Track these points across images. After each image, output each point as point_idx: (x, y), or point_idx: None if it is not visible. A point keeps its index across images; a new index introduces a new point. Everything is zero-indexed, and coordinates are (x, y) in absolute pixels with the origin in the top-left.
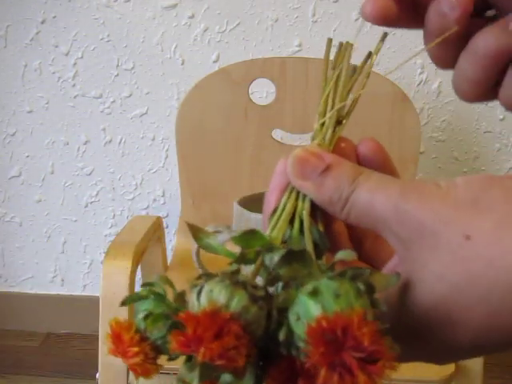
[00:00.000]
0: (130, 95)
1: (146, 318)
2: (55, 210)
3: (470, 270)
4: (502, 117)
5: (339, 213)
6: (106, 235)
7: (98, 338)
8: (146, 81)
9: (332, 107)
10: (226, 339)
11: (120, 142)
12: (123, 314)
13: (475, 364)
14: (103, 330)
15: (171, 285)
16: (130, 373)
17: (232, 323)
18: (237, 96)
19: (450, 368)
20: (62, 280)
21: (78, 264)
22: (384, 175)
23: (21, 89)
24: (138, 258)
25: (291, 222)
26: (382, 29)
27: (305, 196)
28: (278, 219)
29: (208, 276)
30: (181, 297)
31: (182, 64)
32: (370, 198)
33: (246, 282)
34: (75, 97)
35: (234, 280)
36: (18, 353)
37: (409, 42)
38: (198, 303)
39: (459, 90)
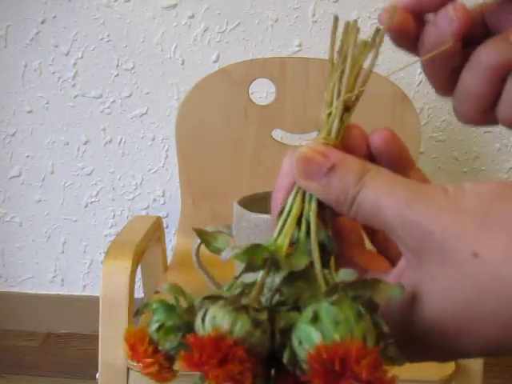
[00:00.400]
0: (130, 95)
1: (158, 329)
2: (55, 210)
3: (478, 286)
4: None
5: (347, 213)
6: (106, 235)
7: (97, 338)
8: (146, 81)
9: (338, 95)
10: (231, 365)
11: (120, 142)
12: (123, 314)
13: (475, 364)
14: (103, 330)
15: (182, 293)
16: (130, 373)
17: (236, 348)
18: (237, 96)
19: (450, 368)
20: (62, 280)
21: (77, 264)
22: (391, 174)
23: (21, 89)
24: (138, 258)
25: (299, 223)
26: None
27: (311, 195)
28: (285, 221)
29: (212, 299)
30: (191, 311)
31: (182, 64)
32: (376, 201)
33: (249, 306)
34: (75, 97)
35: (236, 305)
36: (18, 353)
37: None
38: (202, 327)
39: (461, 109)
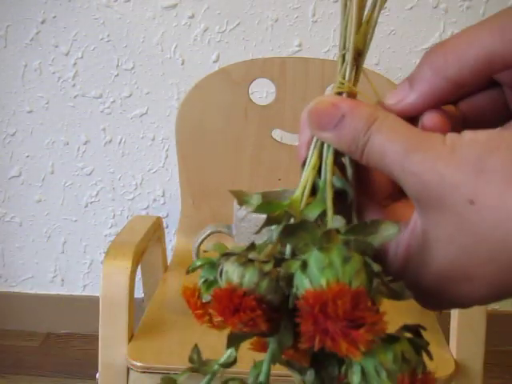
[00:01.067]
0: (130, 95)
1: (203, 283)
2: (55, 210)
3: (476, 232)
4: None
5: (360, 161)
6: (106, 235)
7: (97, 338)
8: (146, 81)
9: (350, 38)
10: (242, 314)
11: (120, 142)
12: (123, 314)
13: (475, 364)
14: (103, 330)
15: (225, 248)
16: (130, 373)
17: (246, 299)
18: (237, 96)
19: (450, 368)
20: (62, 280)
21: (77, 264)
22: (397, 121)
23: (21, 89)
24: (138, 258)
25: (320, 170)
26: (383, 28)
27: (328, 145)
28: (306, 171)
29: (226, 256)
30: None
31: (182, 64)
32: (382, 150)
33: (255, 259)
34: (75, 97)
35: (244, 259)
36: (18, 353)
37: (409, 42)
38: (220, 281)
39: None
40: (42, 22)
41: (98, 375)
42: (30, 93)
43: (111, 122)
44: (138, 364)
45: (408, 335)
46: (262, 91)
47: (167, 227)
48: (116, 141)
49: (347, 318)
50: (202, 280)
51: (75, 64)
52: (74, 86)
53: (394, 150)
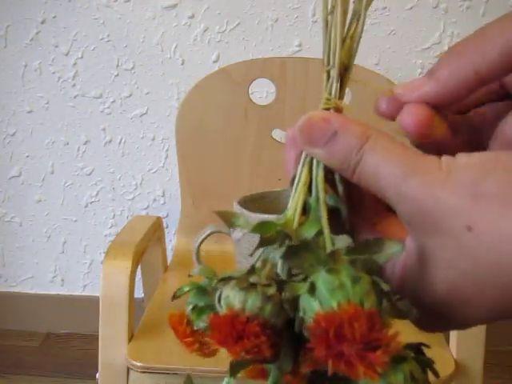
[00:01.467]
0: (130, 95)
1: (192, 310)
2: (55, 210)
3: (474, 256)
4: None
5: (351, 179)
6: (106, 235)
7: (97, 338)
8: (146, 81)
9: (334, 54)
10: (246, 341)
11: (120, 142)
12: (123, 314)
13: (475, 364)
14: (103, 330)
15: (214, 274)
16: (130, 373)
17: (249, 325)
18: (237, 96)
19: (450, 368)
20: (62, 280)
21: (77, 264)
22: (390, 141)
23: (21, 89)
24: (137, 258)
25: (310, 188)
26: (383, 28)
27: (318, 161)
28: (296, 189)
29: (224, 280)
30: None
31: (182, 64)
32: (375, 170)
33: (257, 283)
34: (75, 97)
35: (245, 284)
36: (18, 353)
37: (409, 43)
38: (220, 307)
39: None
40: (42, 22)
41: (98, 375)
42: (30, 93)
43: (111, 122)
44: (138, 364)
45: (411, 354)
46: (262, 91)
47: (167, 227)
48: (116, 141)
49: (364, 340)
50: (191, 306)
51: (75, 64)
52: (73, 86)
53: (390, 172)
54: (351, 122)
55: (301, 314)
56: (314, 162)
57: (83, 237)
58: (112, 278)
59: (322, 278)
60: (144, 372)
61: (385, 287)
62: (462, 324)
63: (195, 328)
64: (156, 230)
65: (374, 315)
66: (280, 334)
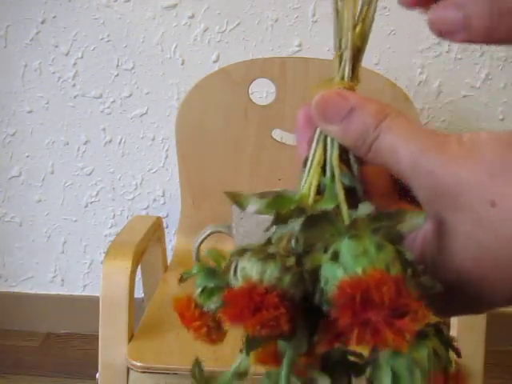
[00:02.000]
0: (130, 95)
1: (201, 292)
2: (55, 210)
3: (495, 231)
4: (501, 117)
5: (364, 157)
6: (106, 235)
7: (97, 338)
8: (146, 81)
9: (347, 36)
10: (265, 313)
11: (120, 142)
12: (123, 314)
13: (475, 364)
14: (103, 330)
15: (222, 257)
16: (130, 373)
17: (268, 296)
18: (237, 96)
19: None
20: (62, 280)
21: (77, 264)
22: (409, 121)
23: (21, 89)
24: (138, 258)
25: (324, 169)
26: (383, 28)
27: (333, 140)
28: (310, 169)
29: (240, 252)
30: (227, 270)
31: (182, 64)
32: (393, 148)
33: (276, 253)
34: (75, 97)
35: (263, 254)
36: (18, 353)
37: (409, 43)
38: (235, 280)
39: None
40: (42, 22)
41: (98, 375)
42: (30, 93)
43: (111, 122)
44: (138, 364)
45: (433, 332)
46: (262, 91)
47: (167, 227)
48: (116, 141)
49: (392, 306)
50: (200, 289)
51: (75, 64)
52: (74, 85)
53: (408, 148)
54: (368, 100)
55: (322, 284)
56: (329, 141)
57: (83, 237)
58: (112, 277)
59: (345, 245)
60: (144, 372)
61: (409, 256)
62: (478, 306)
63: (205, 311)
64: (156, 230)
65: (402, 281)
66: (297, 308)
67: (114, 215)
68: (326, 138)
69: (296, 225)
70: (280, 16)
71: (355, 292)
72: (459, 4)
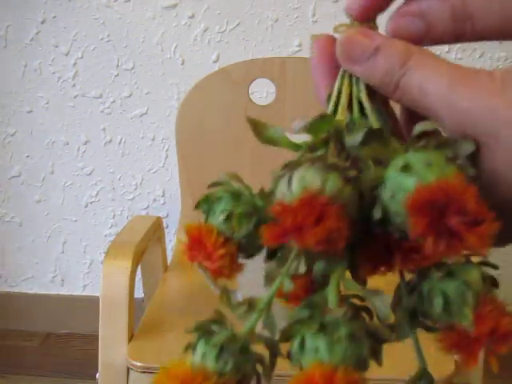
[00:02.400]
0: (130, 95)
1: (227, 218)
2: (55, 210)
3: None
4: None
5: (391, 96)
6: (106, 235)
7: (97, 338)
8: (146, 81)
9: None
10: (329, 222)
11: (120, 142)
12: (123, 314)
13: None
14: (103, 330)
15: (241, 180)
16: (130, 373)
17: (331, 206)
18: (237, 96)
19: (450, 368)
20: (62, 280)
21: (78, 264)
22: (436, 57)
23: (21, 89)
24: (138, 258)
25: (348, 107)
26: (383, 28)
27: (358, 78)
28: (336, 105)
29: (294, 164)
30: (263, 193)
31: (182, 64)
32: (421, 85)
33: (337, 163)
34: (75, 97)
35: (325, 163)
36: (18, 353)
37: None
38: (289, 192)
39: None
40: (42, 22)
41: (98, 375)
42: (30, 93)
43: (111, 122)
44: (138, 364)
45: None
46: (262, 91)
47: (167, 227)
48: (116, 141)
49: (472, 213)
50: (224, 216)
51: (75, 64)
52: (73, 86)
53: (438, 84)
54: (393, 39)
55: (386, 198)
56: (354, 79)
57: (83, 237)
58: (112, 277)
59: (414, 157)
60: (144, 372)
61: (471, 172)
62: None
63: (231, 236)
64: (156, 230)
65: (475, 191)
66: (352, 226)
67: (114, 215)
68: (350, 75)
69: (351, 140)
70: (280, 16)
71: (434, 198)
72: (418, 13)
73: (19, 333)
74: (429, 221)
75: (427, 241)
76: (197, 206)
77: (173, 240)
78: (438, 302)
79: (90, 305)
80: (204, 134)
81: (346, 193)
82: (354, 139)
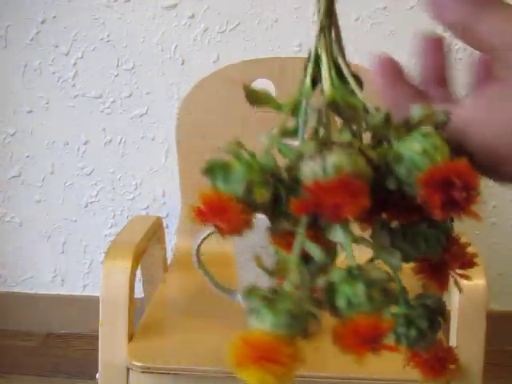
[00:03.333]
0: (130, 95)
1: (246, 187)
2: (55, 210)
3: None
4: None
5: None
6: (106, 235)
7: (97, 338)
8: (146, 81)
9: None
10: (360, 200)
11: (120, 142)
12: (123, 314)
13: (475, 364)
14: (103, 330)
15: (245, 148)
16: (130, 373)
17: (361, 185)
18: (237, 96)
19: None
20: (62, 280)
21: (78, 264)
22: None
23: (21, 89)
24: (138, 258)
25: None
26: (383, 28)
27: (335, 39)
28: (314, 68)
29: (322, 147)
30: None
31: (182, 64)
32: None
33: (361, 147)
34: (75, 97)
35: (353, 148)
36: (18, 353)
37: (409, 43)
38: (323, 173)
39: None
40: (42, 22)
41: (97, 375)
42: (30, 93)
43: (111, 122)
44: (138, 364)
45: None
46: None
47: (167, 227)
48: (116, 141)
49: (470, 188)
50: (243, 184)
51: (75, 64)
52: (73, 86)
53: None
54: None
55: (402, 172)
56: (329, 39)
57: (83, 237)
58: (112, 277)
59: (425, 141)
60: (144, 372)
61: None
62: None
63: (249, 205)
64: (156, 230)
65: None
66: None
67: (114, 215)
68: (325, 36)
69: (373, 120)
70: (280, 16)
71: (444, 177)
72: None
73: (19, 333)
74: (441, 194)
75: (437, 209)
76: (206, 172)
77: (173, 240)
78: (422, 242)
79: (89, 305)
80: (204, 134)
81: (369, 172)
82: (375, 120)
